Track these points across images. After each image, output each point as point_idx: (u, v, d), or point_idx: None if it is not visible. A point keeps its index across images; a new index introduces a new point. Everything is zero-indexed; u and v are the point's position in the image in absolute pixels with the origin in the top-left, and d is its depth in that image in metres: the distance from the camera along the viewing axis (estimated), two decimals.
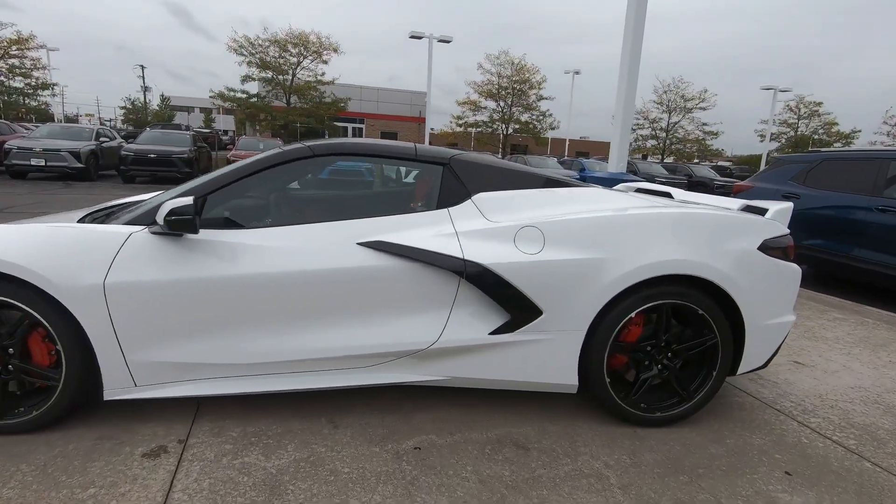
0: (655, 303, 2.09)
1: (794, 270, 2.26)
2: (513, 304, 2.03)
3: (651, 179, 17.59)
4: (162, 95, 49.89)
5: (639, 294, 2.07)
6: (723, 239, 2.14)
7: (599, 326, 2.08)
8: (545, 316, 2.05)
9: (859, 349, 3.40)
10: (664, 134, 34.02)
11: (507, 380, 2.14)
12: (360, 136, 33.60)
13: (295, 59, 26.41)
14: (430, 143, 22.92)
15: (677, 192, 2.99)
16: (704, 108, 32.68)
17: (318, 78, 26.86)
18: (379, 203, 2.75)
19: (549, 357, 2.10)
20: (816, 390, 2.71)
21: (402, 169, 2.91)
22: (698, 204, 2.62)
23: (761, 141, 33.63)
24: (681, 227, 2.12)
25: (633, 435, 2.15)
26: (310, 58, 26.47)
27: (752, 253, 2.16)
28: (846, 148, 5.74)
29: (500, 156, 23.29)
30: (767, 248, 2.19)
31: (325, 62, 26.91)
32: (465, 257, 1.99)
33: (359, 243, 1.99)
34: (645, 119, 34.40)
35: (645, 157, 33.62)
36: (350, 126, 34.25)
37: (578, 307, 2.04)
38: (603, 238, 2.06)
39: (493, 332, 2.05)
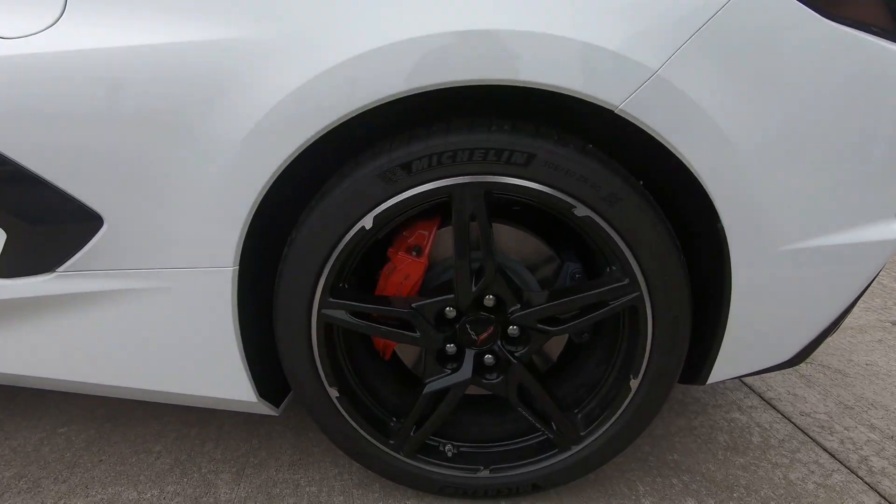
0: (440, 183, 0.69)
1: None
2: None
3: None
4: None
5: (394, 153, 0.68)
6: None
7: (289, 254, 0.74)
8: (108, 229, 0.71)
9: None
10: None
11: (86, 382, 0.86)
12: None
13: None
14: None
15: None
16: None
17: None
18: None
19: (159, 335, 0.79)
20: None
21: None
22: None
23: None
24: None
25: None
26: None
27: (786, 7, 0.63)
28: None
29: None
30: None
31: None
32: None
33: None
34: None
35: None
36: None
37: (196, 197, 0.69)
38: None
39: None
